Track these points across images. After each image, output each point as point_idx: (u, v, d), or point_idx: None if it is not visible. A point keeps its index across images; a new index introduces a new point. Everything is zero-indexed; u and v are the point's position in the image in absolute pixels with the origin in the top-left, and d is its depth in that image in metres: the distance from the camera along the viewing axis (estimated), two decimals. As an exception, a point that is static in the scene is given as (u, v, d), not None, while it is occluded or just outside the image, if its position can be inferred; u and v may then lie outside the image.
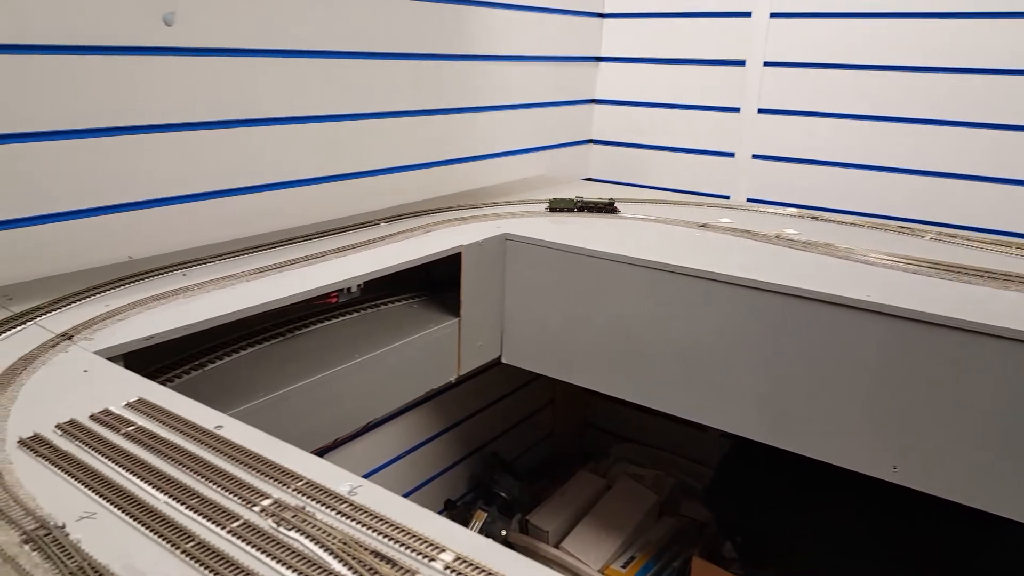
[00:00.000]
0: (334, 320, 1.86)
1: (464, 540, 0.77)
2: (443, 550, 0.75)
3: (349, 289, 1.67)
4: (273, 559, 0.73)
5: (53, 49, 1.45)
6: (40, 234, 1.49)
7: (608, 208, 2.18)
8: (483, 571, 0.72)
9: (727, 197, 2.75)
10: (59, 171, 1.50)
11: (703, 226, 2.08)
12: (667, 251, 1.81)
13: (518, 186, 2.59)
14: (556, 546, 2.49)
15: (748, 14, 2.62)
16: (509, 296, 2.02)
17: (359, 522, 0.79)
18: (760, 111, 2.70)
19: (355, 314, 1.93)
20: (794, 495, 2.30)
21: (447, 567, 0.72)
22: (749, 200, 2.72)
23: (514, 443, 2.91)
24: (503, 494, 2.65)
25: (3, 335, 1.22)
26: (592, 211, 2.16)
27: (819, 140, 2.60)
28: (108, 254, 1.60)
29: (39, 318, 1.29)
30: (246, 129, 1.83)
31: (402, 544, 0.75)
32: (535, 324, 1.99)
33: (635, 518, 2.59)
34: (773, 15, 2.57)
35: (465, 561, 0.73)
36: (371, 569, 0.71)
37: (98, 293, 1.42)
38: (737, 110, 2.74)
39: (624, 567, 2.45)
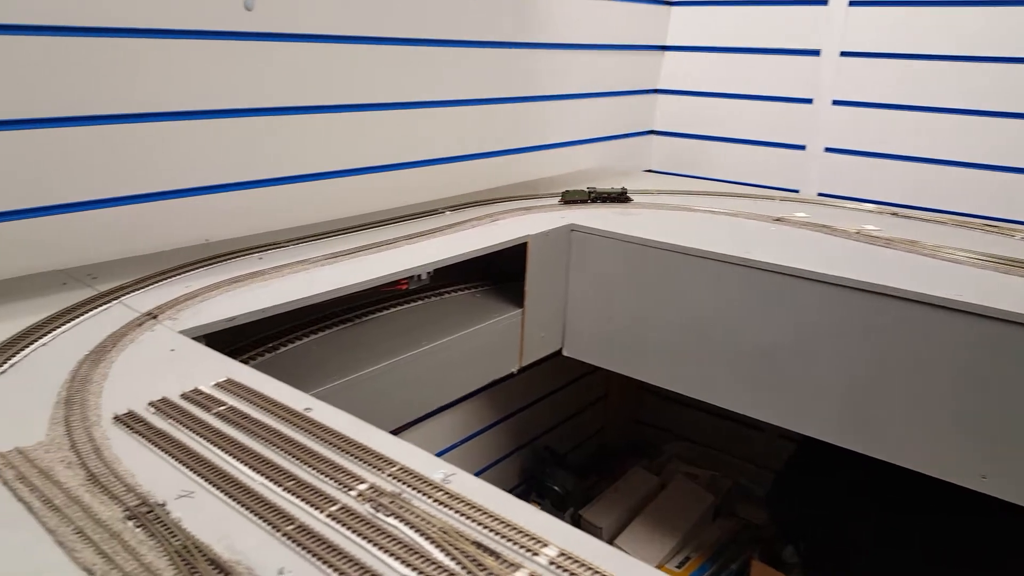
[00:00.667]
0: (399, 308, 1.86)
1: (566, 535, 0.74)
2: (545, 544, 0.72)
3: (420, 276, 1.67)
4: (374, 545, 0.72)
5: (150, 33, 1.47)
6: (122, 215, 1.52)
7: (621, 198, 2.12)
8: (588, 568, 0.70)
9: (796, 191, 2.66)
10: (139, 154, 1.52)
11: (778, 220, 2.02)
12: (742, 245, 1.76)
13: (578, 177, 2.55)
14: (610, 543, 2.46)
15: (824, 2, 2.54)
16: (573, 288, 1.99)
17: (456, 511, 0.77)
18: (835, 102, 2.61)
19: (419, 302, 1.93)
20: (863, 501, 2.23)
21: (551, 562, 0.70)
22: (820, 195, 2.64)
23: (565, 437, 2.89)
24: (556, 488, 2.62)
25: (90, 313, 1.24)
26: (605, 201, 2.10)
27: (897, 133, 2.50)
28: (185, 236, 1.62)
29: (124, 297, 1.31)
30: (321, 115, 1.84)
31: (502, 536, 0.74)
32: (599, 317, 1.96)
33: (690, 518, 2.55)
34: (852, 3, 2.48)
35: (569, 556, 0.71)
36: (474, 560, 0.70)
37: (179, 274, 1.43)
38: (810, 101, 2.65)
39: (679, 567, 2.41)
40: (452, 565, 0.69)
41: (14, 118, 1.33)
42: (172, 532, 0.72)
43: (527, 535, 0.74)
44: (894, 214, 2.17)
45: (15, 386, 0.99)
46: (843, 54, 2.57)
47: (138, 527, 0.73)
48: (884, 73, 2.49)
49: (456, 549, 0.71)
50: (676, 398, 2.97)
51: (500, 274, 2.04)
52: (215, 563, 0.68)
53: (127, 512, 0.75)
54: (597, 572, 0.69)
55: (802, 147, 2.70)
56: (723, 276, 1.73)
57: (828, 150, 2.65)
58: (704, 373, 1.81)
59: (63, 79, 1.38)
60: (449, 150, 2.19)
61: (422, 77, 2.06)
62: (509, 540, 0.73)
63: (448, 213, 2.00)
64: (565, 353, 2.02)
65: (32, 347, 1.10)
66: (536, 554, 0.71)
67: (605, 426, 3.07)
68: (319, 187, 1.87)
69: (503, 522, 0.75)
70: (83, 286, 1.35)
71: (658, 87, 2.92)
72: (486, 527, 0.75)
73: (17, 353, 1.08)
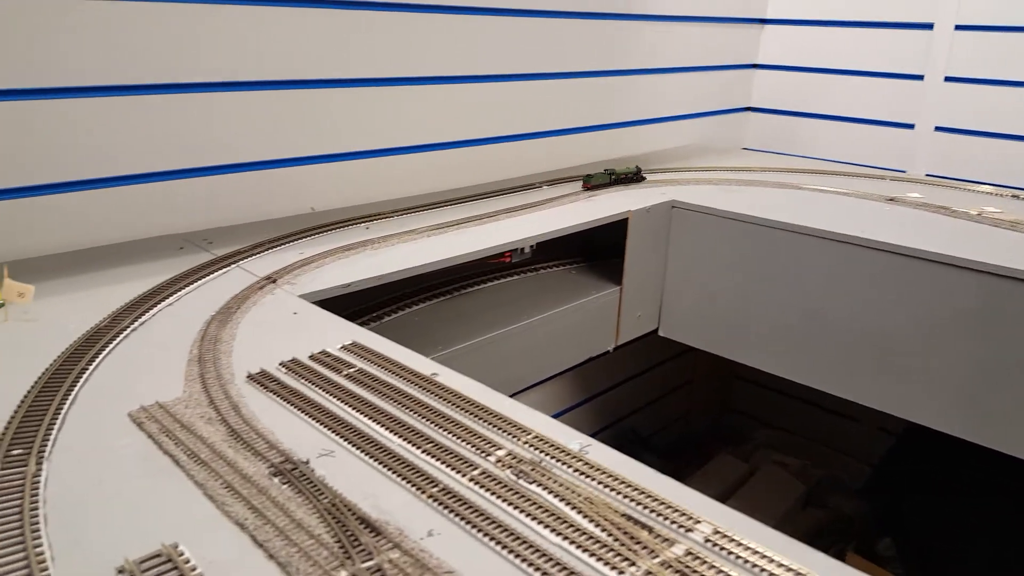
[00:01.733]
0: (497, 282, 1.84)
1: (719, 512, 0.71)
2: (698, 521, 0.69)
3: (523, 249, 1.64)
4: (519, 511, 0.70)
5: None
6: (234, 182, 1.54)
7: (635, 177, 2.03)
8: (745, 546, 0.66)
9: (902, 171, 2.53)
10: (249, 122, 1.54)
11: (891, 200, 1.91)
12: (856, 224, 1.67)
13: (673, 154, 2.48)
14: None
15: (941, -29, 2.38)
16: (672, 266, 1.93)
17: (599, 482, 0.74)
18: (947, 79, 2.45)
19: (516, 277, 1.91)
20: (968, 496, 2.11)
21: (707, 539, 0.67)
22: (928, 175, 2.49)
23: (649, 420, 2.84)
24: (641, 471, 2.59)
25: (211, 276, 1.26)
26: (621, 182, 2.00)
27: (1016, 112, 2.34)
28: (293, 205, 1.64)
29: (241, 262, 1.33)
30: (420, 87, 1.83)
31: (651, 510, 0.71)
32: (698, 297, 1.90)
33: (780, 506, 2.47)
34: (972, -28, 2.32)
35: (724, 535, 0.67)
36: (626, 533, 0.67)
37: (290, 241, 1.45)
38: (920, 78, 2.50)
39: (769, 556, 2.34)
40: (602, 536, 0.67)
41: (135, 83, 1.37)
42: (319, 490, 0.72)
43: (678, 511, 0.70)
44: (1016, 196, 2.03)
45: (148, 344, 1.02)
46: (958, 28, 2.41)
47: (284, 484, 0.73)
48: (1001, 48, 2.32)
49: (606, 520, 0.69)
50: (767, 384, 2.88)
51: (595, 251, 2.00)
52: (365, 521, 0.67)
53: (272, 468, 0.75)
54: (755, 551, 0.66)
55: (910, 126, 2.55)
56: (836, 256, 1.65)
57: (939, 129, 2.50)
58: (812, 358, 1.73)
59: (182, 47, 1.41)
60: (543, 125, 2.15)
61: (519, 50, 2.03)
62: (659, 515, 0.70)
63: (544, 188, 1.97)
64: (661, 333, 1.97)
65: (159, 307, 1.13)
66: (690, 531, 0.68)
67: (691, 410, 3.00)
68: (419, 159, 1.86)
69: (650, 496, 0.72)
70: (200, 250, 1.38)
71: (756, 62, 2.80)
72: (632, 500, 0.72)
73: (145, 312, 1.10)
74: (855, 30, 2.61)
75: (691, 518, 0.70)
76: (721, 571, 0.63)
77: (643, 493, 0.73)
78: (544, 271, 1.96)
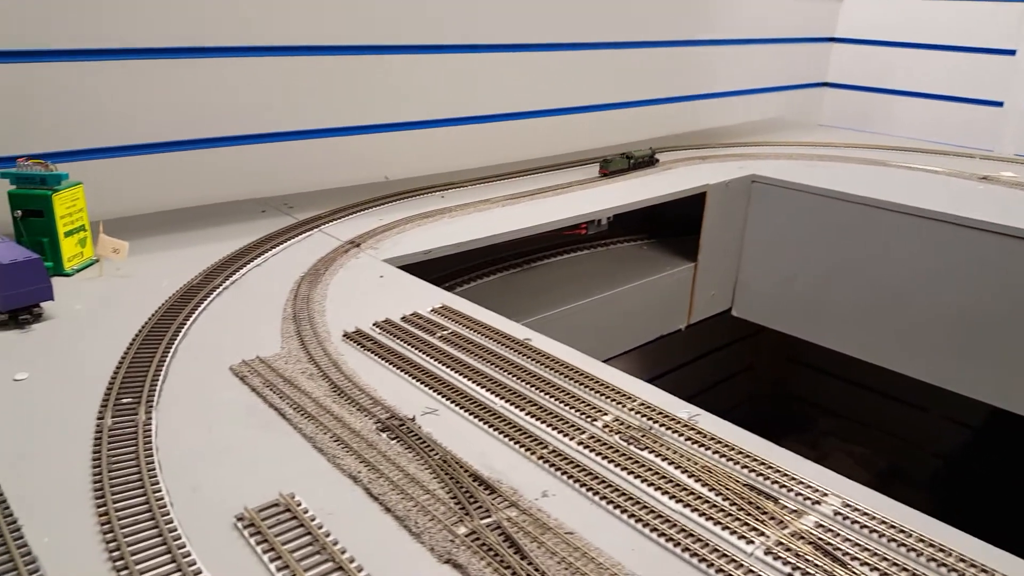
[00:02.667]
0: (565, 256, 1.81)
1: (845, 485, 0.67)
2: (826, 494, 0.66)
3: (600, 221, 1.61)
4: (634, 475, 0.67)
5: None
6: (313, 148, 1.54)
7: (649, 161, 1.87)
8: (878, 519, 0.62)
9: (989, 150, 2.40)
10: (329, 87, 1.53)
11: (984, 178, 1.82)
12: (949, 202, 1.59)
13: (747, 129, 2.40)
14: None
15: (1042, -63, 2.25)
16: (748, 244, 1.87)
17: (715, 451, 0.71)
18: (1043, 53, 2.32)
19: (585, 251, 1.88)
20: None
21: (836, 512, 0.64)
22: (1018, 155, 2.37)
23: (711, 405, 2.77)
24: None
25: (295, 239, 1.26)
26: (639, 167, 1.84)
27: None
28: (367, 173, 1.63)
29: (322, 226, 1.33)
30: (496, 55, 1.80)
31: (774, 481, 0.67)
32: (777, 276, 1.84)
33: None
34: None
35: (856, 508, 0.64)
36: (751, 503, 0.64)
37: (368, 208, 1.44)
38: (1012, 53, 2.37)
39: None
40: (725, 504, 0.64)
41: (220, 46, 1.37)
42: (428, 446, 0.70)
43: (803, 483, 0.67)
44: (1120, 177, 1.91)
45: (241, 301, 1.02)
46: (1058, -3, 2.28)
47: (392, 439, 0.72)
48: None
49: (727, 489, 0.66)
50: (830, 371, 2.80)
51: (665, 227, 1.95)
52: (478, 479, 0.66)
53: (379, 424, 0.74)
54: (892, 525, 0.62)
55: (999, 103, 2.43)
56: (929, 235, 1.57)
57: (1032, 106, 2.38)
58: (896, 341, 1.66)
59: (268, 9, 1.40)
60: (620, 95, 2.10)
61: (597, 16, 1.97)
62: (782, 487, 0.67)
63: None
64: (735, 313, 1.92)
65: (248, 267, 1.13)
66: (817, 503, 0.65)
67: (753, 396, 2.93)
68: (494, 129, 1.83)
69: (771, 467, 0.69)
70: (281, 214, 1.38)
71: (834, 35, 2.70)
72: (752, 471, 0.69)
73: (236, 272, 1.10)
74: (941, 3, 2.49)
75: (817, 490, 0.66)
76: (857, 543, 0.60)
77: (763, 464, 0.70)
78: (614, 246, 1.92)
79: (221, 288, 1.04)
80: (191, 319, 0.94)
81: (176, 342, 0.88)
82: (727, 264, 1.88)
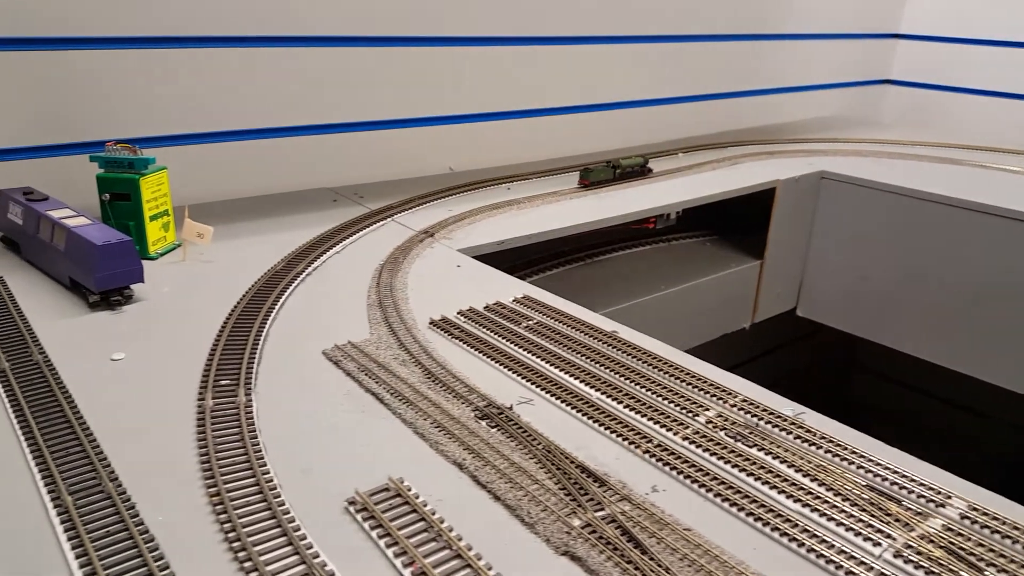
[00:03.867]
0: (629, 251, 1.79)
1: (969, 489, 0.64)
2: (949, 496, 0.63)
3: (669, 215, 1.59)
4: (746, 473, 0.65)
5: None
6: (382, 139, 1.54)
7: (642, 170, 1.65)
8: (1006, 522, 0.59)
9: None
10: (395, 77, 1.53)
11: (1068, 178, 1.75)
12: (1036, 202, 1.53)
13: (809, 125, 2.34)
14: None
15: None
16: (816, 241, 1.83)
17: (829, 451, 0.69)
18: None
19: (647, 247, 1.85)
20: None
21: (963, 515, 0.61)
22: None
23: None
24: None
25: (369, 228, 1.26)
26: (626, 177, 1.61)
27: None
28: (433, 164, 1.63)
29: (394, 216, 1.33)
30: (557, 48, 1.78)
31: (893, 483, 0.65)
32: (844, 275, 1.79)
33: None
34: None
35: (983, 511, 0.61)
36: (874, 504, 0.61)
37: (437, 199, 1.44)
38: (1091, 48, 2.28)
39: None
40: (846, 505, 0.61)
41: (297, 35, 1.37)
42: (530, 435, 0.69)
43: (923, 484, 0.64)
44: None
45: (325, 287, 1.02)
46: None
47: (492, 427, 0.70)
48: None
49: (846, 489, 0.63)
50: (889, 376, 2.73)
51: (731, 223, 1.91)
52: (586, 471, 0.64)
53: (477, 412, 0.73)
54: (1017, 527, 0.59)
55: (1076, 101, 2.34)
56: (1009, 235, 1.52)
57: (1113, 105, 2.28)
58: (973, 345, 1.60)
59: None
60: (685, 89, 2.07)
61: (656, 11, 1.94)
62: (902, 488, 0.64)
63: (680, 155, 1.90)
64: (800, 313, 1.88)
65: (327, 254, 1.13)
66: (942, 505, 0.62)
67: (809, 400, 2.87)
68: (558, 122, 1.82)
69: (888, 468, 0.66)
70: (352, 204, 1.39)
71: (899, 31, 2.62)
72: (868, 471, 0.66)
73: (316, 259, 1.11)
74: (1014, -3, 2.40)
75: (940, 492, 0.63)
76: (991, 548, 0.57)
77: (877, 464, 0.67)
78: (676, 242, 1.88)
79: (304, 275, 1.04)
80: (278, 304, 0.94)
81: (266, 326, 0.88)
82: (793, 262, 1.83)
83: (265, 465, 0.63)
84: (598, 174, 1.56)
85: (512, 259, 1.47)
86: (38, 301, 0.93)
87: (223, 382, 0.76)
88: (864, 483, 0.64)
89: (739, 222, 1.84)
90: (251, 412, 0.71)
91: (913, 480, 0.65)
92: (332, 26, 1.41)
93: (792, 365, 2.86)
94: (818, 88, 2.47)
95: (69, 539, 0.55)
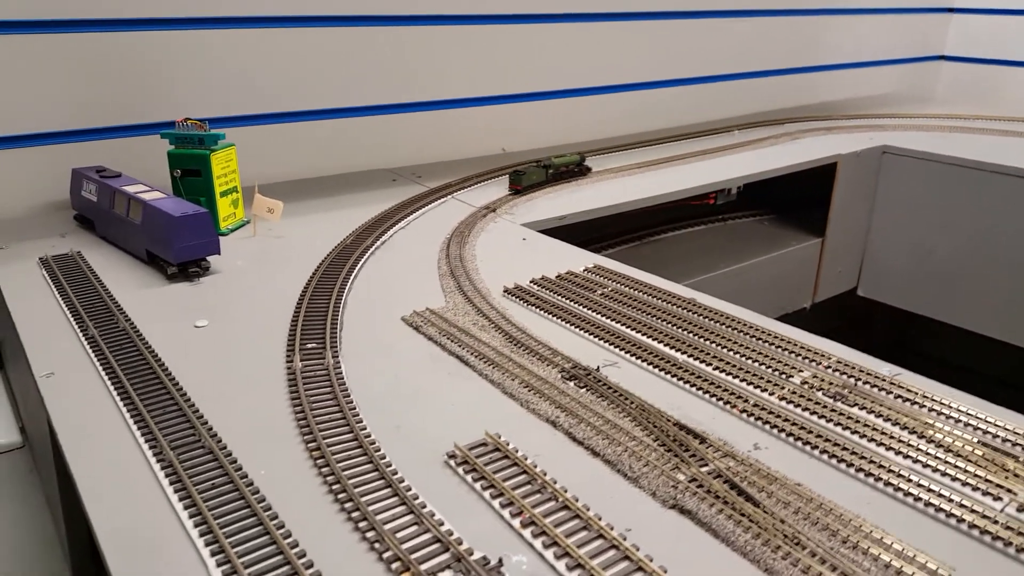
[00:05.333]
0: (687, 230, 1.76)
1: (1090, 445, 0.62)
2: (1069, 452, 0.60)
3: (730, 191, 1.56)
4: (849, 431, 0.63)
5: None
6: (437, 120, 1.53)
7: (579, 169, 1.45)
8: None
9: None
10: (454, 57, 1.53)
11: None
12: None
13: (862, 103, 2.28)
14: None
15: None
16: (878, 219, 1.78)
17: (933, 410, 0.66)
18: None
19: (703, 227, 1.82)
20: None
21: (1087, 472, 0.58)
22: None
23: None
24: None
25: (431, 205, 1.26)
26: (561, 177, 1.41)
27: None
28: (487, 145, 1.62)
29: (454, 193, 1.32)
30: (614, 24, 1.76)
31: (1005, 439, 0.62)
32: (908, 252, 1.74)
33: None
34: None
35: (1108, 469, 0.58)
36: (988, 459, 0.59)
37: (494, 177, 1.43)
38: None
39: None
40: (958, 461, 0.59)
41: (361, 15, 1.38)
42: (621, 395, 0.68)
43: (1040, 441, 0.62)
44: None
45: (395, 260, 1.02)
46: None
47: (581, 388, 0.69)
48: None
49: (957, 446, 0.61)
50: (949, 362, 2.65)
51: (788, 202, 1.87)
52: (684, 428, 0.63)
53: (564, 373, 0.72)
54: None
55: None
56: (1087, 207, 1.46)
57: None
58: (1048, 321, 1.55)
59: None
60: (729, 67, 2.03)
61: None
62: (1017, 445, 0.61)
63: (736, 132, 1.86)
64: (861, 293, 1.83)
65: (393, 229, 1.13)
66: (1062, 462, 0.59)
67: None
68: (609, 101, 1.80)
69: (998, 424, 0.64)
70: (411, 183, 1.38)
71: (953, 5, 2.54)
72: (977, 428, 0.64)
73: (384, 233, 1.11)
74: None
75: (1058, 450, 0.61)
76: (1123, 506, 0.54)
77: (986, 421, 0.64)
78: (733, 221, 1.85)
79: (373, 248, 1.04)
80: (352, 274, 0.94)
81: (344, 294, 0.88)
82: (855, 240, 1.79)
83: (362, 422, 0.63)
84: (530, 177, 1.37)
85: (569, 240, 1.46)
86: (116, 275, 0.94)
87: (309, 345, 0.76)
88: (975, 440, 0.62)
89: (797, 201, 1.80)
90: (340, 373, 0.71)
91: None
92: (396, 5, 1.41)
93: (856, 346, 2.80)
94: (872, 65, 2.41)
95: (176, 491, 0.55)
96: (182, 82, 1.24)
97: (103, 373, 0.71)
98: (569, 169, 1.44)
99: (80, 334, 0.78)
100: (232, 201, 1.11)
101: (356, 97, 1.42)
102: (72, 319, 0.81)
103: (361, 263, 0.99)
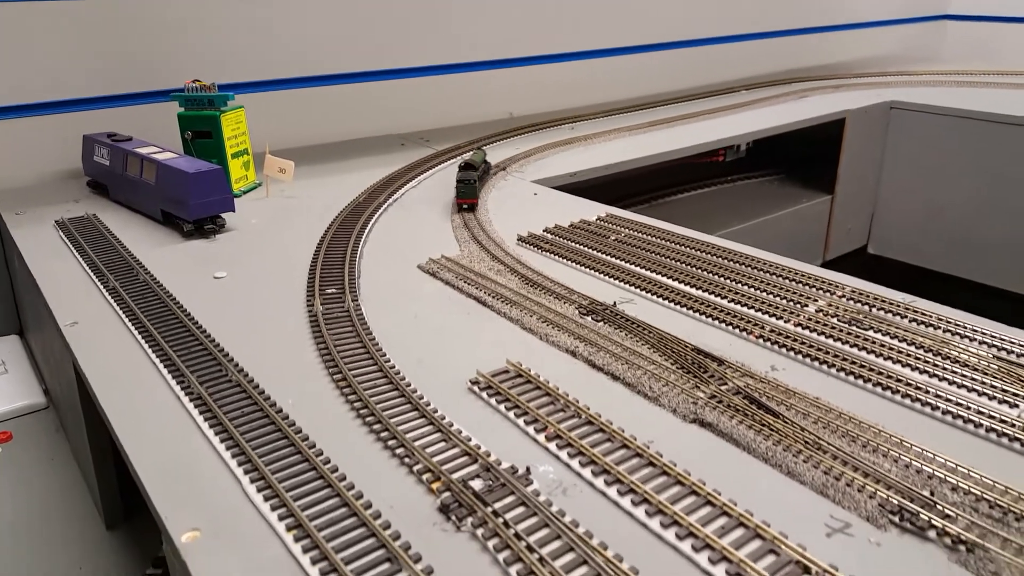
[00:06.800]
0: (696, 192, 1.76)
1: (1106, 358, 0.62)
2: (1085, 364, 0.61)
3: (739, 147, 1.56)
4: (865, 351, 0.64)
5: None
6: (444, 84, 1.54)
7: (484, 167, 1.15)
8: None
9: None
10: (458, 21, 1.53)
11: None
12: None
13: (866, 63, 2.27)
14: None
15: None
16: (887, 175, 1.77)
17: (948, 331, 0.67)
18: None
19: (715, 187, 1.82)
20: None
21: (1103, 381, 0.59)
22: None
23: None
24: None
25: (441, 165, 1.26)
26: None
27: None
28: (492, 109, 1.62)
29: (464, 154, 1.33)
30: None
31: (1020, 355, 0.63)
32: (918, 208, 1.74)
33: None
34: None
35: (1124, 378, 0.59)
36: (1003, 371, 0.60)
37: (502, 139, 1.43)
38: None
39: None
40: (975, 374, 0.60)
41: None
42: (639, 326, 0.69)
43: (1056, 355, 0.62)
44: None
45: (408, 214, 1.03)
46: None
47: (599, 321, 0.70)
48: None
49: (974, 359, 0.61)
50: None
51: (795, 161, 1.87)
52: (702, 352, 0.64)
53: (581, 309, 0.73)
54: None
55: None
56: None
57: None
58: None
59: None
60: (735, 28, 2.02)
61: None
62: (1033, 358, 0.62)
63: (744, 91, 1.86)
64: (871, 251, 1.83)
65: (404, 188, 1.14)
66: (1078, 373, 0.60)
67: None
68: (613, 63, 1.79)
69: (1015, 342, 0.64)
70: (420, 147, 1.39)
71: (959, -38, 2.52)
72: (992, 345, 0.64)
73: (396, 191, 1.11)
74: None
75: (1074, 362, 0.61)
76: None
77: (1001, 339, 0.65)
78: (742, 182, 1.85)
79: (386, 204, 1.05)
80: (367, 227, 0.95)
81: (360, 246, 0.89)
82: (864, 197, 1.79)
83: (385, 355, 0.64)
84: (474, 187, 1.05)
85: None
86: (133, 234, 0.95)
87: (329, 291, 0.77)
88: (991, 355, 0.63)
89: (806, 160, 1.80)
90: (361, 315, 0.72)
91: (1044, 353, 0.63)
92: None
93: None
94: (878, 25, 2.39)
95: (207, 420, 0.56)
96: (191, 48, 1.24)
97: (126, 320, 0.72)
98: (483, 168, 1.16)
99: (101, 287, 0.79)
100: (244, 163, 1.12)
101: (363, 63, 1.42)
102: (92, 274, 0.83)
103: (375, 218, 0.99)
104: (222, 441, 0.54)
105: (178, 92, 1.07)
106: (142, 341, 0.68)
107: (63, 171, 1.20)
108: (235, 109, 1.09)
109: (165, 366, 0.64)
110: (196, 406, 0.58)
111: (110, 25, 1.17)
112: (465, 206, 1.02)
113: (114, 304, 0.75)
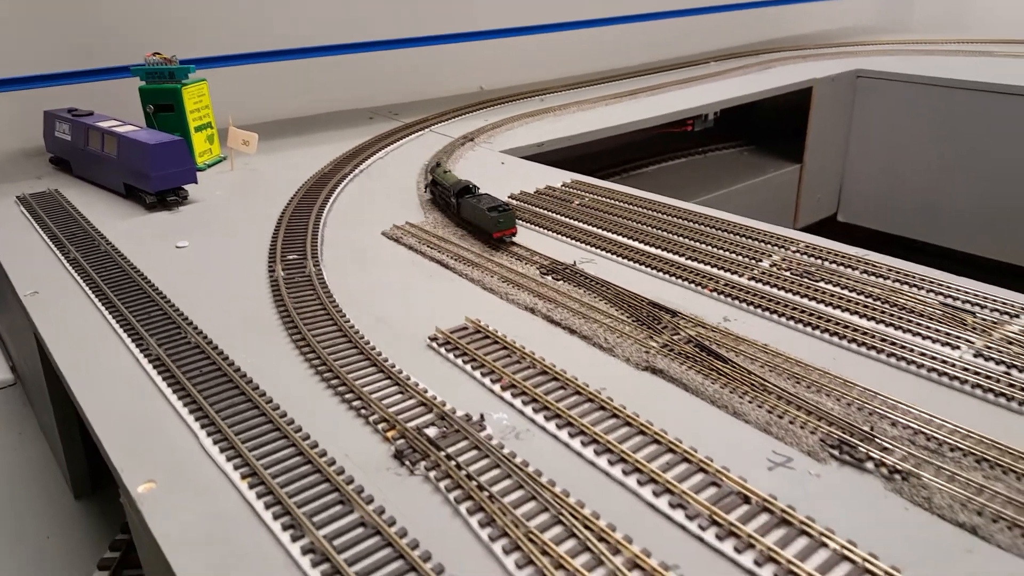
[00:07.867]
0: (667, 163, 1.78)
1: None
2: (1027, 308, 0.63)
3: (707, 117, 1.57)
4: (815, 300, 0.65)
5: None
6: (413, 57, 1.53)
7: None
8: (1090, 332, 0.59)
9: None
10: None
11: (1115, 59, 1.70)
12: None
13: (834, 35, 2.29)
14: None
15: None
16: (855, 144, 1.79)
17: (899, 281, 0.69)
18: None
19: (684, 159, 1.83)
20: None
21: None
22: None
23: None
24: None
25: (409, 138, 1.26)
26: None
27: None
28: (463, 83, 1.62)
29: (432, 127, 1.33)
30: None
31: (965, 300, 0.64)
32: (884, 176, 1.76)
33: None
34: None
35: (1062, 320, 0.61)
36: (948, 316, 0.61)
37: (472, 111, 1.43)
38: None
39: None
40: (921, 320, 0.61)
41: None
42: (597, 283, 0.70)
43: (996, 299, 0.64)
44: None
45: (374, 184, 1.03)
46: None
47: (558, 280, 0.71)
48: None
49: (920, 305, 0.63)
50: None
51: (763, 132, 1.88)
52: (657, 305, 0.65)
53: (542, 269, 0.73)
54: (1103, 338, 0.59)
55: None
56: (1057, 117, 1.48)
57: None
58: (1018, 237, 1.58)
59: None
60: (699, 0, 2.02)
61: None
62: (975, 304, 0.64)
63: (713, 63, 1.87)
64: (841, 219, 1.85)
65: (372, 159, 1.14)
66: (1017, 315, 0.62)
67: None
68: (583, 36, 1.79)
69: (959, 288, 0.66)
70: (389, 120, 1.39)
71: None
72: (939, 293, 0.66)
73: (362, 163, 1.11)
74: None
75: (1015, 306, 0.63)
76: (1075, 348, 0.57)
77: (949, 286, 0.67)
78: (712, 153, 1.87)
79: (351, 176, 1.05)
80: (332, 196, 0.95)
81: (324, 214, 0.89)
82: (833, 165, 1.81)
83: (345, 316, 0.65)
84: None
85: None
86: (96, 208, 0.95)
87: (290, 257, 0.77)
88: (937, 302, 0.64)
89: (775, 131, 1.82)
90: (323, 279, 0.72)
91: (986, 297, 0.65)
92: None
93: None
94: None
95: (164, 379, 0.57)
96: (155, 23, 1.23)
97: (87, 289, 0.72)
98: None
99: (62, 258, 0.79)
100: (207, 137, 1.12)
101: (331, 36, 1.41)
102: (53, 246, 0.82)
103: (340, 187, 0.99)
104: (180, 399, 0.54)
105: (139, 67, 1.06)
106: (102, 308, 0.68)
107: (25, 149, 1.18)
108: (197, 82, 1.09)
109: (125, 331, 0.64)
110: (155, 367, 0.58)
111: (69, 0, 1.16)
112: (508, 238, 0.79)
113: (75, 274, 0.75)
